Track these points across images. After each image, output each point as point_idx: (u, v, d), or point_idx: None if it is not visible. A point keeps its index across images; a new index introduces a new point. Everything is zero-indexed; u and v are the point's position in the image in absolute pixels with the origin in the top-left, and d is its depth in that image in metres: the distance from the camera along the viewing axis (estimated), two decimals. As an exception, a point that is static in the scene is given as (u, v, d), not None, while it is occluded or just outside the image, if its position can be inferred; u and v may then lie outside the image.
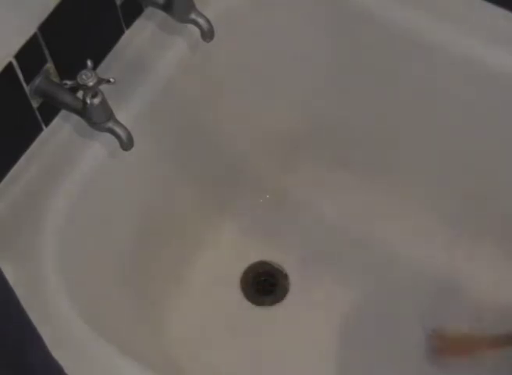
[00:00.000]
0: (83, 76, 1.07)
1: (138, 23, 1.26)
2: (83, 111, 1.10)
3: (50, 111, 1.15)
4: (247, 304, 1.49)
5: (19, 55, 1.04)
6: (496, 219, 1.45)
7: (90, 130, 1.13)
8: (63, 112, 1.16)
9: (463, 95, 1.32)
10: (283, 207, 1.57)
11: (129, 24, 1.25)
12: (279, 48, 1.40)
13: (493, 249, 1.46)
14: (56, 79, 1.12)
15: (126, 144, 1.11)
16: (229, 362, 1.41)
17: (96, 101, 1.08)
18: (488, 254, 1.47)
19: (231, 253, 1.53)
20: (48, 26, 1.07)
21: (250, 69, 1.41)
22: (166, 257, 1.42)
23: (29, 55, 1.06)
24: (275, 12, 1.35)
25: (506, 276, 1.45)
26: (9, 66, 1.04)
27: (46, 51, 1.09)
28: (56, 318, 1.06)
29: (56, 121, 1.17)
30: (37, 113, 1.13)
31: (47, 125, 1.16)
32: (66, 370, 0.88)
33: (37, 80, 1.09)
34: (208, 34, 1.19)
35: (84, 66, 1.07)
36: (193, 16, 1.18)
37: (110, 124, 1.10)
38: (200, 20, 1.18)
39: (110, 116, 1.11)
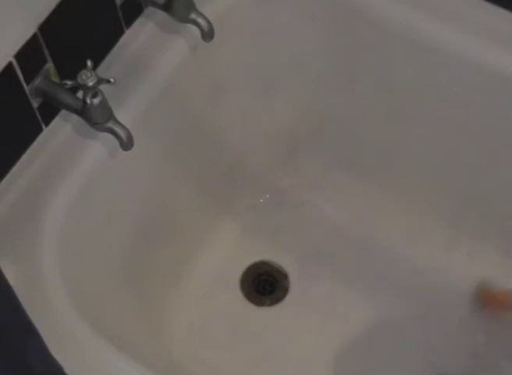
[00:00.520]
0: (83, 76, 1.07)
1: (138, 23, 1.26)
2: (83, 111, 1.10)
3: (50, 111, 1.15)
4: (246, 304, 1.49)
5: (19, 55, 1.04)
6: (496, 219, 1.45)
7: (90, 130, 1.13)
8: (63, 112, 1.17)
9: (463, 95, 1.32)
10: (283, 207, 1.57)
11: (129, 24, 1.25)
12: (279, 48, 1.40)
13: (493, 249, 1.46)
14: (56, 79, 1.12)
15: (126, 144, 1.11)
16: (229, 362, 1.41)
17: (96, 101, 1.08)
18: (489, 253, 1.47)
19: (231, 253, 1.53)
20: (48, 26, 1.07)
21: (250, 69, 1.41)
22: (166, 257, 1.43)
23: (29, 55, 1.06)
24: (275, 12, 1.35)
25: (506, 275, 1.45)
26: (9, 66, 1.04)
27: (46, 51, 1.09)
28: (56, 318, 1.06)
29: (56, 121, 1.17)
30: (37, 113, 1.13)
31: (47, 125, 1.16)
32: (66, 370, 0.88)
33: (37, 80, 1.09)
34: (208, 34, 1.19)
35: (84, 66, 1.07)
36: (193, 16, 1.18)
37: (110, 124, 1.10)
38: (200, 20, 1.18)
39: (110, 116, 1.11)
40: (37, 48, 1.07)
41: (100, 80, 1.07)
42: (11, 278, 0.76)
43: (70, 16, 1.11)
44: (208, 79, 1.34)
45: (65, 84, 1.08)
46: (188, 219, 1.47)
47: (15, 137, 1.12)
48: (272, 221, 1.56)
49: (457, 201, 1.46)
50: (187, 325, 1.44)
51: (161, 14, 1.21)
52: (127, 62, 1.24)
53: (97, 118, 1.10)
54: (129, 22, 1.25)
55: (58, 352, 0.85)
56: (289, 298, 1.50)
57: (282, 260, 1.52)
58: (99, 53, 1.21)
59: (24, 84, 1.08)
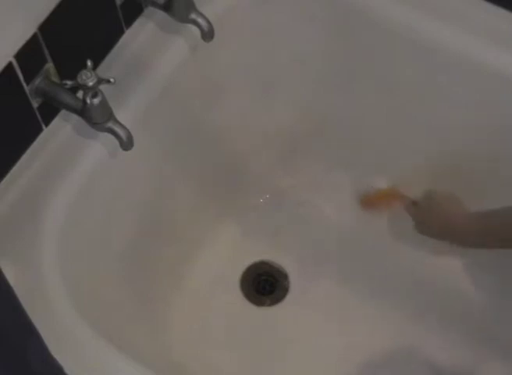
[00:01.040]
0: (83, 76, 1.07)
1: (138, 23, 1.26)
2: (83, 111, 1.10)
3: (50, 111, 1.15)
4: (247, 304, 1.49)
5: (19, 55, 1.04)
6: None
7: (90, 130, 1.13)
8: (63, 112, 1.17)
9: (462, 95, 1.32)
10: (283, 207, 1.57)
11: (129, 24, 1.25)
12: (279, 48, 1.40)
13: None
14: (56, 79, 1.12)
15: (126, 144, 1.11)
16: (229, 362, 1.41)
17: (96, 101, 1.08)
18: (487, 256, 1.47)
19: (231, 253, 1.53)
20: (48, 26, 1.07)
21: (250, 69, 1.41)
22: (166, 257, 1.43)
23: (29, 55, 1.06)
24: (275, 12, 1.35)
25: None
26: (9, 66, 1.04)
27: (46, 51, 1.09)
28: (56, 318, 1.06)
29: (56, 121, 1.17)
30: (37, 113, 1.13)
31: (47, 125, 1.16)
32: (66, 370, 0.88)
33: (37, 80, 1.09)
34: (208, 34, 1.19)
35: (84, 66, 1.07)
36: (193, 16, 1.18)
37: (110, 124, 1.10)
38: (200, 20, 1.18)
39: (110, 115, 1.11)
40: (37, 48, 1.07)
41: (100, 80, 1.07)
42: (11, 278, 0.76)
43: (70, 16, 1.11)
44: (208, 79, 1.34)
45: (65, 84, 1.08)
46: (188, 219, 1.47)
47: (15, 137, 1.12)
48: (272, 221, 1.56)
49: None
50: (187, 325, 1.44)
51: (161, 14, 1.21)
52: (127, 62, 1.24)
53: (97, 118, 1.10)
54: (129, 22, 1.25)
55: (58, 352, 0.85)
56: (289, 298, 1.50)
57: (282, 260, 1.52)
58: (99, 53, 1.21)
59: (24, 84, 1.08)
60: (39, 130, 1.15)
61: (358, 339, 1.44)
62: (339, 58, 1.39)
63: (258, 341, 1.45)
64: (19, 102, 1.09)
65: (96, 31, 1.18)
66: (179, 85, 1.28)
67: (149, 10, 1.25)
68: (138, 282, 1.35)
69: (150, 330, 1.39)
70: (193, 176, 1.44)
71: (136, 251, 1.33)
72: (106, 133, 1.12)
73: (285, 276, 1.51)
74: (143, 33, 1.26)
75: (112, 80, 1.09)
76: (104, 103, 1.09)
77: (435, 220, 1.31)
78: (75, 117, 1.14)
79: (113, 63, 1.22)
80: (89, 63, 1.07)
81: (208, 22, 1.18)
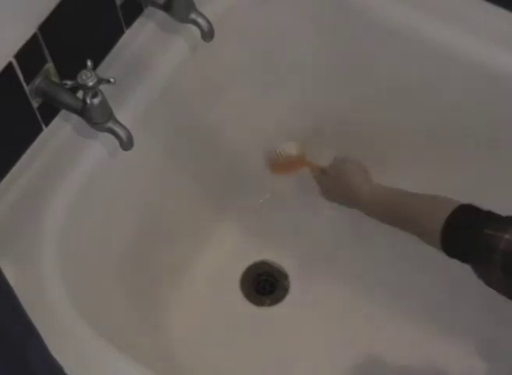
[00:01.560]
0: (83, 76, 1.07)
1: (138, 23, 1.26)
2: (83, 111, 1.10)
3: (50, 111, 1.15)
4: (247, 304, 1.49)
5: (19, 55, 1.04)
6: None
7: (90, 130, 1.13)
8: (63, 112, 1.17)
9: (463, 95, 1.32)
10: (283, 207, 1.57)
11: (129, 24, 1.25)
12: (279, 48, 1.40)
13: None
14: (56, 79, 1.12)
15: (126, 143, 1.11)
16: (229, 362, 1.41)
17: (96, 101, 1.08)
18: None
19: (231, 253, 1.53)
20: (48, 26, 1.07)
21: (250, 69, 1.41)
22: (166, 257, 1.43)
23: (29, 55, 1.06)
24: (275, 12, 1.35)
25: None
26: (9, 66, 1.04)
27: (46, 51, 1.09)
28: (56, 318, 1.06)
29: (56, 121, 1.17)
30: (37, 113, 1.13)
31: (47, 125, 1.16)
32: (66, 370, 0.88)
33: (37, 80, 1.09)
34: (208, 34, 1.19)
35: (84, 66, 1.07)
36: (193, 16, 1.18)
37: (110, 124, 1.10)
38: (200, 20, 1.18)
39: (110, 115, 1.11)
40: (37, 48, 1.07)
41: (100, 80, 1.07)
42: (11, 278, 0.76)
43: (70, 16, 1.11)
44: (208, 79, 1.34)
45: (65, 84, 1.08)
46: (188, 220, 1.47)
47: (15, 137, 1.12)
48: (272, 221, 1.56)
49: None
50: (187, 325, 1.44)
51: (161, 14, 1.21)
52: (127, 62, 1.24)
53: (97, 118, 1.10)
54: (129, 22, 1.25)
55: (58, 352, 0.85)
56: (289, 298, 1.50)
57: (282, 260, 1.52)
58: (99, 53, 1.21)
59: (24, 84, 1.08)
60: (39, 130, 1.15)
61: (358, 339, 1.44)
62: (339, 58, 1.39)
63: (258, 341, 1.45)
64: (19, 102, 1.09)
65: (96, 31, 1.18)
66: (179, 85, 1.28)
67: (149, 10, 1.25)
68: (138, 282, 1.35)
69: (150, 330, 1.39)
70: (193, 176, 1.44)
71: (136, 251, 1.33)
72: (106, 133, 1.12)
73: (285, 276, 1.51)
74: (143, 33, 1.26)
75: (111, 80, 1.09)
76: (104, 103, 1.09)
77: (340, 189, 1.37)
78: (75, 117, 1.14)
79: (113, 63, 1.22)
80: (89, 63, 1.07)
81: (208, 22, 1.18)
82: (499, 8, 1.26)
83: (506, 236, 1.00)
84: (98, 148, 1.18)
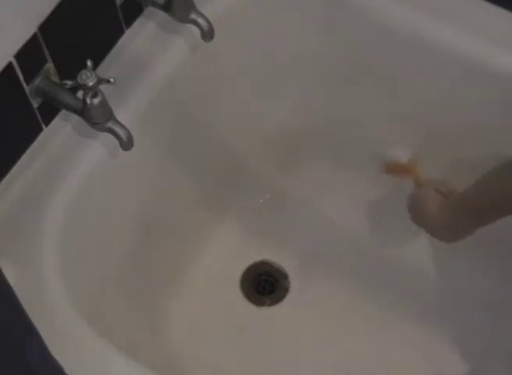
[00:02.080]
0: (83, 76, 1.07)
1: (138, 23, 1.26)
2: (83, 111, 1.10)
3: (50, 111, 1.15)
4: (247, 304, 1.49)
5: (19, 55, 1.04)
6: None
7: (90, 130, 1.13)
8: (63, 112, 1.17)
9: (463, 95, 1.32)
10: (283, 207, 1.57)
11: (129, 24, 1.25)
12: (278, 48, 1.40)
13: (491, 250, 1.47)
14: (56, 79, 1.12)
15: (126, 143, 1.11)
16: (229, 362, 1.41)
17: (96, 101, 1.08)
18: (488, 255, 1.47)
19: (231, 253, 1.53)
20: (48, 26, 1.07)
21: (250, 69, 1.41)
22: (166, 257, 1.43)
23: (29, 55, 1.06)
24: (274, 12, 1.35)
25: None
26: (9, 66, 1.04)
27: (46, 51, 1.09)
28: (56, 318, 1.06)
29: (56, 121, 1.17)
30: (37, 113, 1.13)
31: (47, 125, 1.16)
32: (66, 370, 0.88)
33: (37, 80, 1.09)
34: (208, 34, 1.19)
35: (84, 66, 1.07)
36: (193, 16, 1.18)
37: (110, 124, 1.10)
38: (200, 20, 1.18)
39: (110, 115, 1.11)
40: (37, 48, 1.07)
41: (100, 80, 1.07)
42: (11, 278, 0.76)
43: (70, 16, 1.11)
44: (208, 79, 1.34)
45: (65, 84, 1.08)
46: (188, 219, 1.47)
47: (15, 137, 1.12)
48: (272, 221, 1.56)
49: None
50: (187, 325, 1.44)
51: (161, 14, 1.21)
52: (127, 62, 1.24)
53: (97, 118, 1.10)
54: (129, 22, 1.25)
55: (58, 352, 0.85)
56: (289, 298, 1.50)
57: (282, 260, 1.52)
58: (99, 53, 1.21)
59: (24, 84, 1.08)
60: (39, 130, 1.15)
61: (358, 339, 1.44)
62: (339, 58, 1.39)
63: (258, 341, 1.45)
64: (19, 102, 1.09)
65: (96, 31, 1.18)
66: (179, 85, 1.28)
67: (149, 10, 1.25)
68: (138, 282, 1.35)
69: (150, 330, 1.39)
70: (194, 176, 1.44)
71: (136, 251, 1.33)
72: (106, 133, 1.12)
73: (285, 276, 1.51)
74: (143, 33, 1.26)
75: (111, 80, 1.09)
76: (104, 103, 1.09)
77: (418, 215, 1.30)
78: (75, 117, 1.13)
79: (113, 63, 1.22)
80: (89, 63, 1.07)
81: (208, 22, 1.18)
82: (499, 8, 1.26)
83: None
84: (98, 148, 1.18)
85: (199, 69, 1.31)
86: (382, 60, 1.36)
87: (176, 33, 1.26)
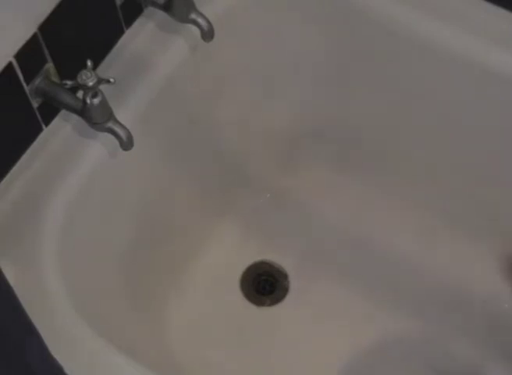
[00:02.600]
0: (83, 76, 1.07)
1: (138, 23, 1.26)
2: (83, 111, 1.10)
3: (50, 111, 1.15)
4: (246, 304, 1.49)
5: (19, 55, 1.04)
6: (496, 220, 1.45)
7: (90, 130, 1.13)
8: (63, 112, 1.17)
9: (463, 96, 1.32)
10: (283, 207, 1.57)
11: (129, 24, 1.25)
12: (278, 48, 1.40)
13: (493, 249, 1.47)
14: (56, 79, 1.12)
15: (126, 144, 1.11)
16: (229, 362, 1.41)
17: (96, 101, 1.08)
18: (488, 254, 1.47)
19: (231, 253, 1.53)
20: (48, 26, 1.07)
21: (250, 69, 1.41)
22: (166, 257, 1.43)
23: (29, 55, 1.06)
24: (274, 12, 1.35)
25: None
26: (9, 66, 1.04)
27: (46, 51, 1.09)
28: (56, 318, 1.06)
29: (56, 121, 1.17)
30: (37, 113, 1.13)
31: (47, 125, 1.16)
32: (66, 370, 0.88)
33: (37, 80, 1.09)
34: (208, 34, 1.19)
35: (84, 66, 1.07)
36: (193, 16, 1.18)
37: (110, 124, 1.10)
38: (200, 20, 1.18)
39: (110, 116, 1.11)
40: (37, 48, 1.07)
41: (100, 80, 1.07)
42: (11, 278, 0.76)
43: (70, 16, 1.11)
44: (207, 79, 1.35)
45: (65, 84, 1.08)
46: (188, 219, 1.47)
47: (15, 137, 1.12)
48: (272, 221, 1.56)
49: (458, 201, 1.46)
50: (187, 325, 1.44)
51: (161, 14, 1.21)
52: (127, 62, 1.24)
53: (97, 118, 1.10)
54: (129, 22, 1.25)
55: (58, 352, 0.85)
56: (289, 298, 1.50)
57: (282, 260, 1.52)
58: (99, 53, 1.21)
59: (24, 84, 1.08)
60: (39, 130, 1.15)
61: (358, 339, 1.44)
62: (339, 58, 1.39)
63: (258, 341, 1.45)
64: (19, 102, 1.09)
65: (96, 31, 1.18)
66: (179, 85, 1.28)
67: (149, 10, 1.25)
68: (138, 282, 1.35)
69: (150, 330, 1.39)
70: (193, 176, 1.44)
71: (136, 251, 1.33)
72: (106, 133, 1.12)
73: (285, 276, 1.51)
74: (143, 33, 1.26)
75: (111, 80, 1.09)
76: (104, 103, 1.09)
77: None
78: (75, 117, 1.14)
79: (113, 63, 1.22)
80: (89, 63, 1.07)
81: (208, 22, 1.18)
82: (499, 8, 1.26)
83: None
84: (98, 148, 1.18)
85: (199, 69, 1.31)
86: (382, 60, 1.36)
87: (176, 33, 1.26)
